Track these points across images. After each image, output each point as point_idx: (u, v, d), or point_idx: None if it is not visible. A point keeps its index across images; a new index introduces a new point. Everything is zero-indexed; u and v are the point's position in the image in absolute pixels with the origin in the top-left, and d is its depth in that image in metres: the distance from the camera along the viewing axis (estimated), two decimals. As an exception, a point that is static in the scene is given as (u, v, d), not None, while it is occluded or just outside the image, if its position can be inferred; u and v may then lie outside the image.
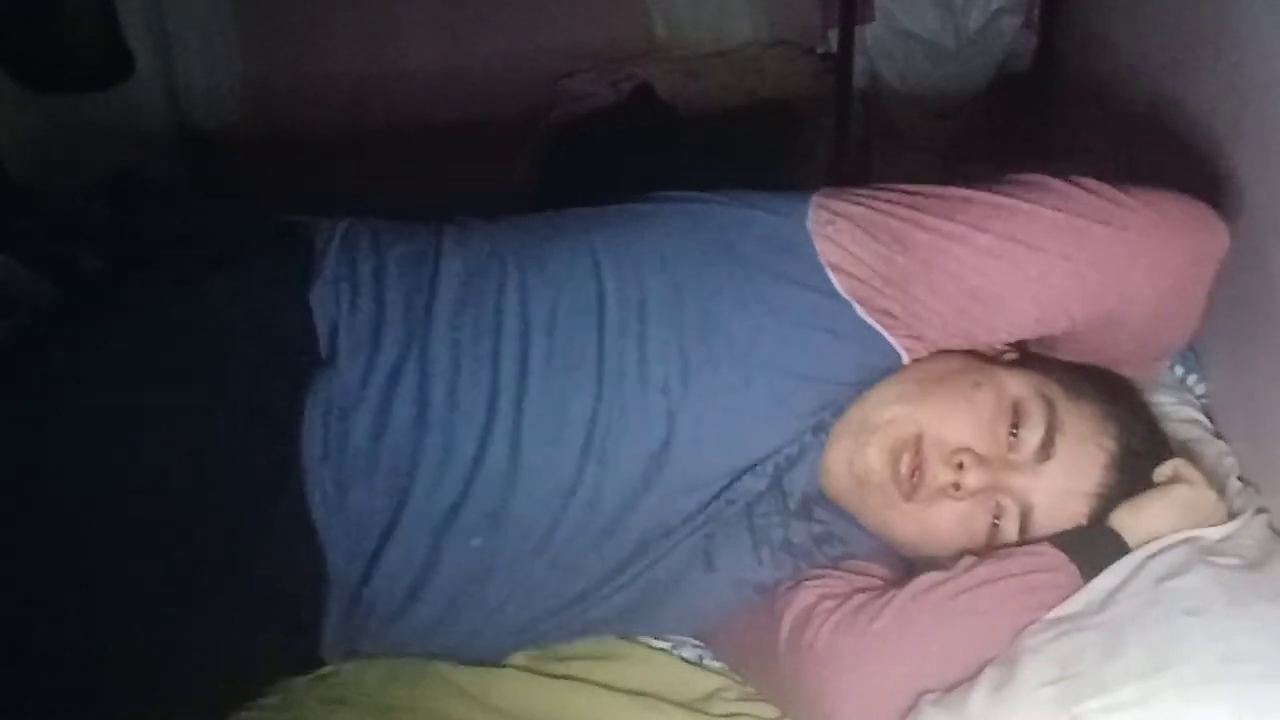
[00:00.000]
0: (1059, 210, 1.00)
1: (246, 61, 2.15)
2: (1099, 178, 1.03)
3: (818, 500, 1.05)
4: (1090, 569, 1.00)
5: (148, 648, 0.95)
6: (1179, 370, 1.27)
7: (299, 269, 1.03)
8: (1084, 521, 1.02)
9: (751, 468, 1.01)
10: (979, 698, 0.94)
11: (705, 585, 1.04)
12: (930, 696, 0.98)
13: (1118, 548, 1.01)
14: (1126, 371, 1.11)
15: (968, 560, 1.01)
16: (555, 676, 1.06)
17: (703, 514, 1.00)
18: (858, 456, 1.01)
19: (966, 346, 1.05)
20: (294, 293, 1.01)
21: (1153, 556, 1.00)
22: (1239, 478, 1.12)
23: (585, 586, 1.01)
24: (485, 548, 0.96)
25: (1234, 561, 0.99)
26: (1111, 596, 0.98)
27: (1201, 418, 1.21)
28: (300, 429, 0.95)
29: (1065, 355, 1.08)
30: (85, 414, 0.96)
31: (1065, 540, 1.01)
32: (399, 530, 0.96)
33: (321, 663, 1.06)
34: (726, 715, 1.05)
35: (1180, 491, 1.04)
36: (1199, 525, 1.02)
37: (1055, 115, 1.89)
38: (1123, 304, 1.01)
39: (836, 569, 1.06)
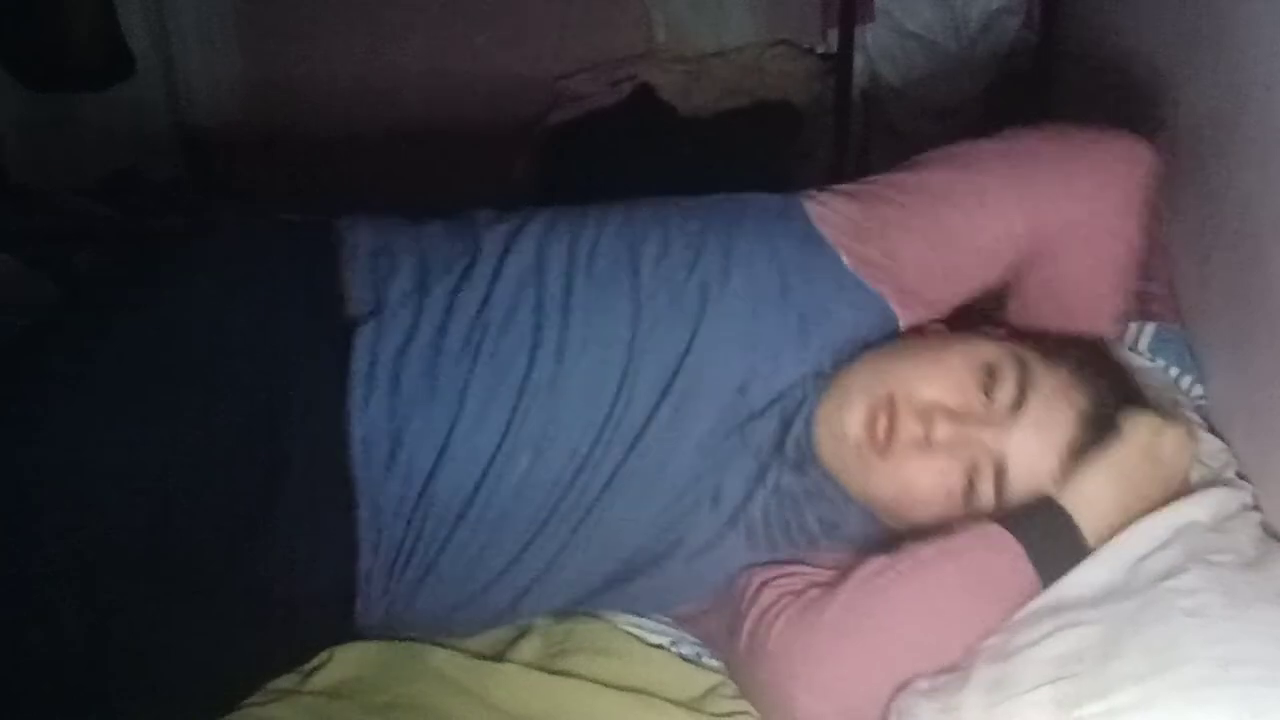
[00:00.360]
0: (1006, 144, 1.17)
1: (246, 61, 2.16)
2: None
3: (813, 460, 1.07)
4: (1037, 548, 1.00)
5: (154, 642, 0.95)
6: (1173, 371, 1.27)
7: (324, 246, 1.09)
8: (1060, 480, 1.02)
9: (760, 413, 1.06)
10: (974, 698, 0.94)
11: (708, 527, 1.06)
12: (921, 686, 0.98)
13: (1065, 525, 1.00)
14: (1088, 322, 1.16)
15: (913, 544, 1.02)
16: (554, 674, 1.05)
17: (714, 452, 1.05)
18: (835, 418, 1.04)
19: (945, 290, 1.13)
20: (322, 261, 1.07)
21: (1149, 555, 1.00)
22: (1238, 473, 1.13)
23: (611, 519, 1.04)
24: (531, 470, 1.02)
25: (1231, 559, 0.99)
26: (1108, 592, 0.98)
27: (1194, 417, 1.21)
28: (346, 385, 1.00)
29: (1032, 308, 1.17)
30: (85, 411, 0.96)
31: (1012, 518, 1.01)
32: (449, 453, 1.00)
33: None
34: (724, 714, 1.05)
35: (1118, 456, 1.02)
36: (1141, 496, 1.02)
37: (1055, 115, 1.89)
38: (1064, 222, 1.13)
39: (803, 564, 1.08)
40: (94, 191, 1.85)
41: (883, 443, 1.02)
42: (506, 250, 1.08)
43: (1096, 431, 1.04)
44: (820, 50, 2.14)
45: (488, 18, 2.21)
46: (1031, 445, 1.02)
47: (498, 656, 1.07)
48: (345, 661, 1.05)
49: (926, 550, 1.01)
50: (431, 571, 1.03)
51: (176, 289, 1.04)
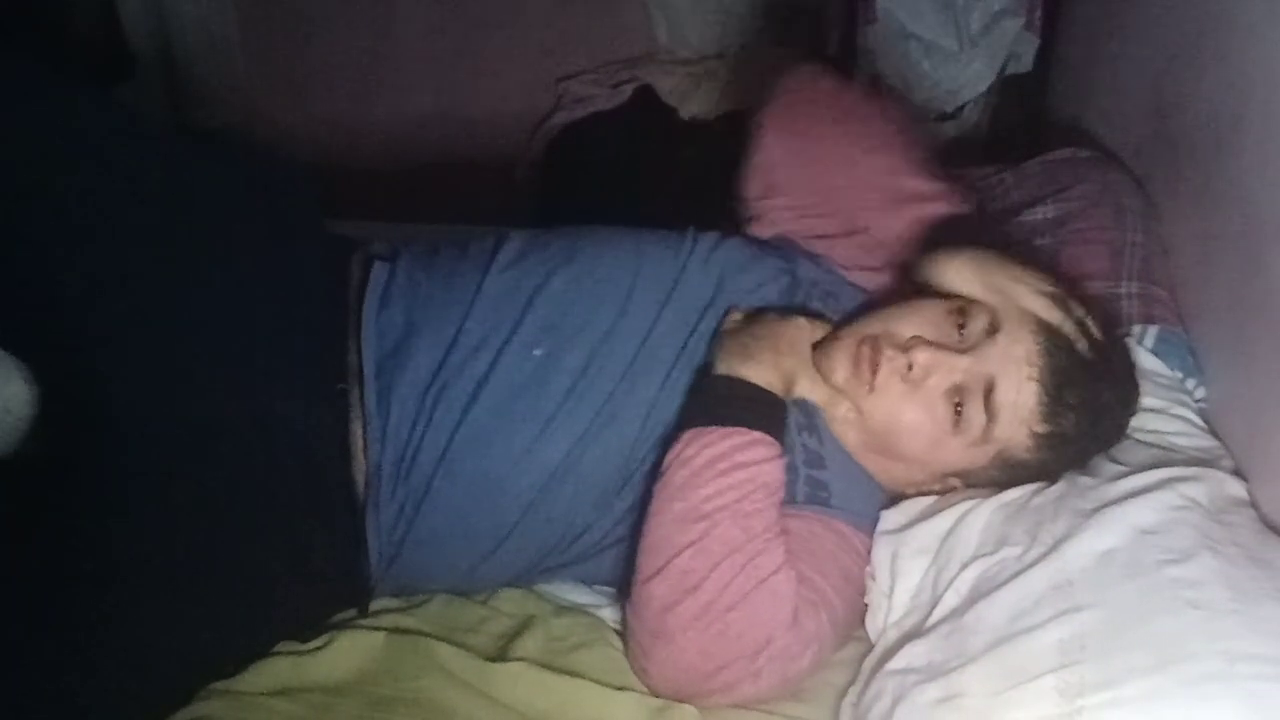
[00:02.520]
0: None
1: (247, 62, 2.16)
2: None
3: (808, 408, 1.14)
4: (711, 413, 1.07)
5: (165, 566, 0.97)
6: (1177, 374, 1.26)
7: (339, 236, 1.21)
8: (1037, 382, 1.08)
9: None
10: (976, 684, 0.94)
11: None
12: (915, 677, 0.98)
13: (715, 379, 1.09)
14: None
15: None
16: (558, 671, 1.05)
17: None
18: (824, 364, 1.13)
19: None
20: (337, 239, 1.20)
21: (1153, 531, 1.00)
22: (1235, 472, 1.12)
23: (624, 417, 1.10)
24: (545, 360, 1.11)
25: (1236, 552, 0.98)
26: (1111, 561, 0.98)
27: (1193, 416, 1.21)
28: (363, 293, 1.12)
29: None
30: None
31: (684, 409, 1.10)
32: (461, 341, 1.10)
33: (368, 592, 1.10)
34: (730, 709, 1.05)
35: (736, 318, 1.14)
36: (762, 349, 1.10)
37: (1055, 115, 1.89)
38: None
39: None
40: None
41: (868, 375, 1.09)
42: (506, 234, 1.20)
43: (1053, 337, 1.09)
44: (822, 52, 2.14)
45: (489, 19, 2.22)
46: (1011, 356, 1.08)
47: (500, 652, 1.08)
48: (349, 653, 1.05)
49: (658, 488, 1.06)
50: (443, 464, 1.07)
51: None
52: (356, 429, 1.07)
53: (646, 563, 1.03)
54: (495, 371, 1.09)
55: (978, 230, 1.21)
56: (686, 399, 1.11)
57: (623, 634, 1.10)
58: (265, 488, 1.02)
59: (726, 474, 1.03)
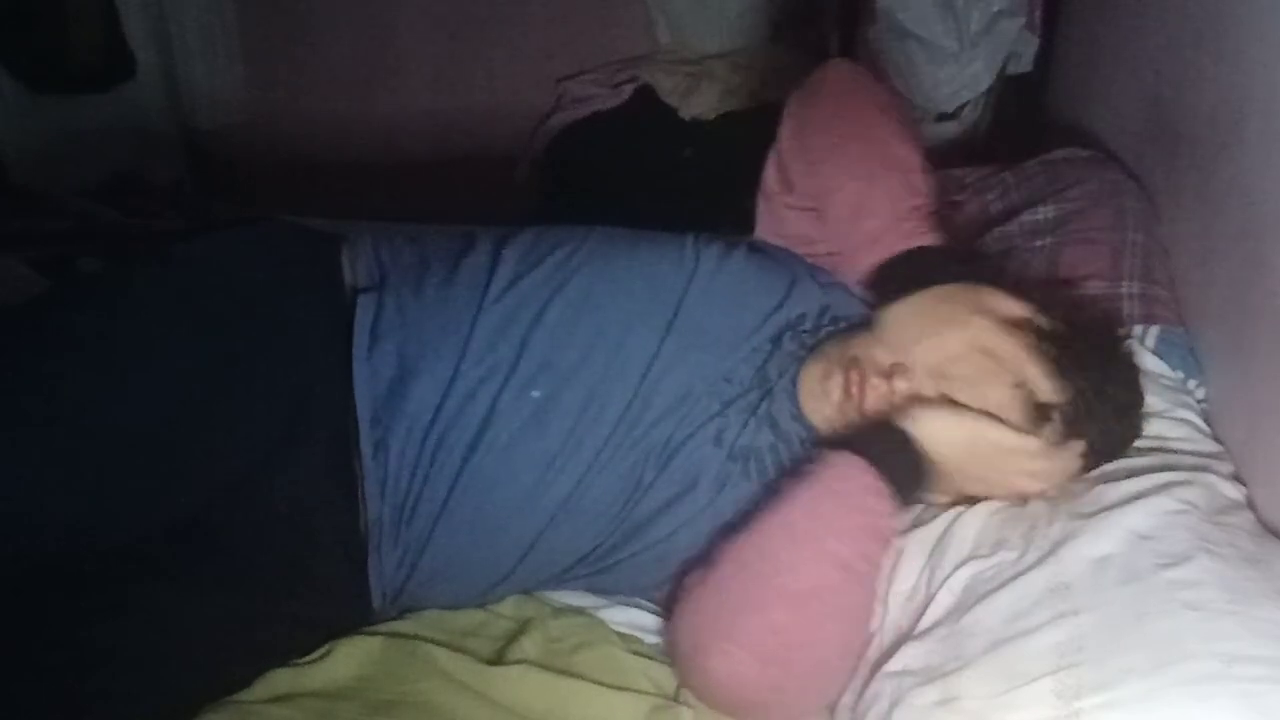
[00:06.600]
0: None
1: (247, 63, 2.16)
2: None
3: (798, 417, 1.15)
4: (876, 457, 1.06)
5: (170, 602, 0.98)
6: (1179, 374, 1.26)
7: (328, 238, 1.17)
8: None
9: (748, 354, 1.15)
10: (974, 687, 0.94)
11: (711, 461, 1.11)
12: (912, 680, 0.98)
13: (902, 440, 1.07)
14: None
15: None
16: (557, 672, 1.06)
17: (711, 395, 1.13)
18: (819, 387, 1.13)
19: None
20: (325, 246, 1.15)
21: (1151, 536, 1.00)
22: (1235, 476, 1.12)
23: (626, 453, 1.09)
24: (544, 402, 1.08)
25: (1233, 553, 0.99)
26: (1108, 566, 0.98)
27: (1195, 419, 1.21)
28: (350, 338, 1.07)
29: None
30: (100, 370, 1.00)
31: (859, 441, 1.08)
32: (456, 388, 1.06)
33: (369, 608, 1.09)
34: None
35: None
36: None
37: (1055, 115, 1.89)
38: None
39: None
40: (96, 194, 1.85)
41: (857, 398, 1.10)
42: (504, 239, 1.17)
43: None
44: (822, 52, 2.14)
45: (489, 21, 2.22)
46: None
47: (498, 655, 1.08)
48: (348, 659, 1.06)
49: (784, 501, 1.06)
50: (444, 513, 1.05)
51: (184, 267, 1.10)
52: (354, 480, 1.05)
53: (767, 590, 1.01)
54: (494, 417, 1.06)
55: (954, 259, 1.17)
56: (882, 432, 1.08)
57: (668, 628, 1.09)
58: (264, 541, 1.01)
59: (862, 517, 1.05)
